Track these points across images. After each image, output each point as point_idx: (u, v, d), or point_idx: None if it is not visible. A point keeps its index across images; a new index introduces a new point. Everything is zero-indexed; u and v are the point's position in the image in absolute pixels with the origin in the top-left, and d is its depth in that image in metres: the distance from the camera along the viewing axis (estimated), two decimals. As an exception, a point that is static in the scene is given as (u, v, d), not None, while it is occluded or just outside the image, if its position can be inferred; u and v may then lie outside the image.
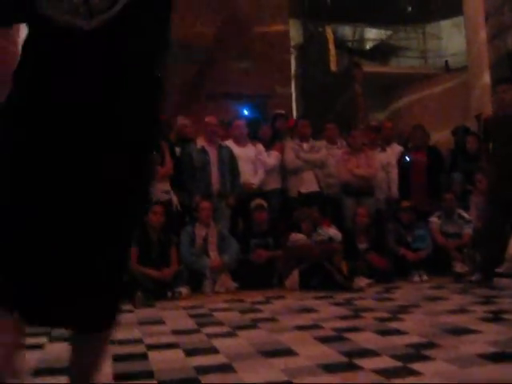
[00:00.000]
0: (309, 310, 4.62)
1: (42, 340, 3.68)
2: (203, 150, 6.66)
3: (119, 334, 3.83)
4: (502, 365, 2.79)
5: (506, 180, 5.52)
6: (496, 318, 4.00)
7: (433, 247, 6.65)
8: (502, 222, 5.67)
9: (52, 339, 3.73)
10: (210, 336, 3.70)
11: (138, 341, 3.65)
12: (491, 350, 3.08)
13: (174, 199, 6.35)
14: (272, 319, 4.28)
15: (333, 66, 15.93)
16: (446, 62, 16.57)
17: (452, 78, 15.47)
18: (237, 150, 6.88)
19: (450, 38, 17.13)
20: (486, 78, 11.45)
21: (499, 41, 10.84)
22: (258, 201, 6.47)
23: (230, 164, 6.71)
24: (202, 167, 6.57)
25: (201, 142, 6.78)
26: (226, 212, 6.67)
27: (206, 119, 6.91)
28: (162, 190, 6.22)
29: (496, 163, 5.76)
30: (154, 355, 3.22)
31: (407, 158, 7.34)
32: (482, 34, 11.76)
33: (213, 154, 6.65)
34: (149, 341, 3.62)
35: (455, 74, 15.34)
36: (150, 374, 2.83)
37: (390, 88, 16.87)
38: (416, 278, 6.21)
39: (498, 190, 5.63)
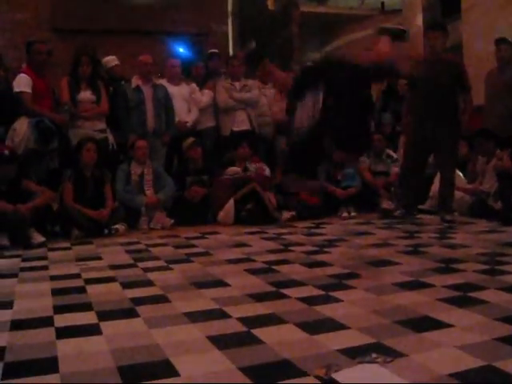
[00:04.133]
0: (241, 245, 4.81)
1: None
2: (138, 89, 6.61)
3: (57, 270, 3.93)
4: (414, 291, 3.05)
5: (426, 121, 5.80)
6: (415, 251, 4.29)
7: (361, 185, 6.91)
8: (421, 159, 5.99)
9: None
10: (146, 270, 3.83)
11: (76, 275, 3.76)
12: (407, 279, 3.35)
13: (110, 137, 6.33)
14: (206, 253, 4.45)
15: (270, 5, 15.78)
16: (382, 3, 16.65)
17: (387, 19, 15.55)
18: (171, 88, 6.88)
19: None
20: (419, 21, 11.66)
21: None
22: (190, 139, 6.53)
23: (165, 103, 6.72)
24: (136, 106, 6.55)
25: (136, 81, 6.70)
26: (161, 150, 6.72)
27: (141, 58, 6.77)
28: (97, 128, 6.21)
29: (418, 104, 6.00)
30: (91, 289, 3.33)
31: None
32: (417, -24, 11.90)
33: (148, 93, 6.62)
34: (86, 275, 3.73)
35: (390, 16, 15.45)
36: (88, 306, 2.95)
37: (327, 28, 16.88)
38: (344, 214, 6.49)
39: (418, 129, 5.91)
